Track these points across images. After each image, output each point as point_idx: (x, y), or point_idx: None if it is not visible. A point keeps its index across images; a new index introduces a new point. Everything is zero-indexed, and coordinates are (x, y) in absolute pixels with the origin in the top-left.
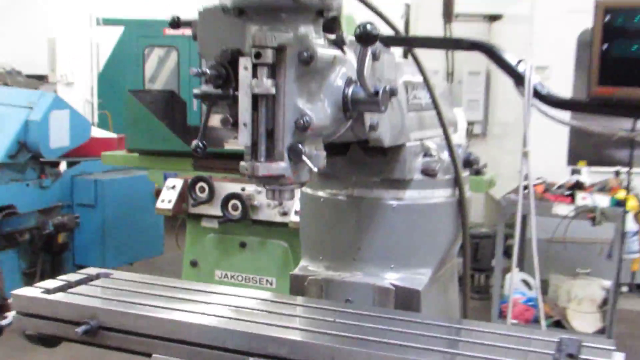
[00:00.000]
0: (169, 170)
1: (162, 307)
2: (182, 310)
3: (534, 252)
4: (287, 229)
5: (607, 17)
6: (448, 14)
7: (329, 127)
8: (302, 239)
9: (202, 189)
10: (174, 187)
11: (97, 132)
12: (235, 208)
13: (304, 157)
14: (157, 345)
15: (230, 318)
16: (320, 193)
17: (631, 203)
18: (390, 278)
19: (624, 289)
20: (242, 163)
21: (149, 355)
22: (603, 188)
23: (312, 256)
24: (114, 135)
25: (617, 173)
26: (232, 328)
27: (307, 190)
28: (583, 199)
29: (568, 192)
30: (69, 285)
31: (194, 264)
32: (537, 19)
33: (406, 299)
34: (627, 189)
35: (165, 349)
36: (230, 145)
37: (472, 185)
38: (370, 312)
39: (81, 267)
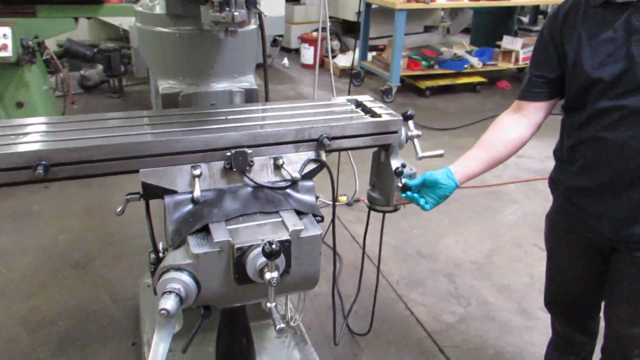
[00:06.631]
0: None
1: (87, 138)
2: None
3: None
4: None
5: None
6: None
7: None
8: (153, 67)
9: None
10: None
11: None
12: None
13: (258, 6)
14: (108, 166)
15: (164, 131)
16: (174, 30)
17: None
18: (237, 84)
19: None
20: (219, 14)
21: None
22: None
23: (172, 78)
24: None
25: None
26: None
27: (154, 28)
28: None
29: None
30: None
31: None
32: None
33: (249, 96)
34: None
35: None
36: None
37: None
38: (237, 107)
39: None
